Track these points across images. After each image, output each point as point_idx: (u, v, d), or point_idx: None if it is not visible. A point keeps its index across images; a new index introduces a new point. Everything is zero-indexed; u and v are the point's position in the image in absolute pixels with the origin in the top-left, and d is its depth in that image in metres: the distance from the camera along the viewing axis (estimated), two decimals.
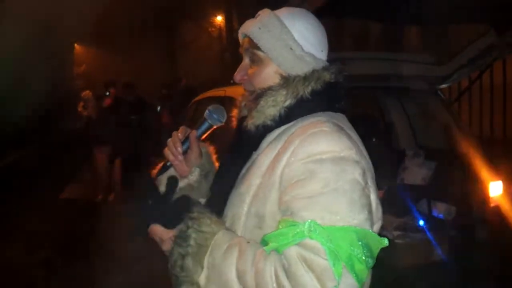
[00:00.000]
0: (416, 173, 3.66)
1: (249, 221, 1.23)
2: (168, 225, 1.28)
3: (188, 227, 1.22)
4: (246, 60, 1.36)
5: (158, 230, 1.30)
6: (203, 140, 1.48)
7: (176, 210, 1.27)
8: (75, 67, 21.48)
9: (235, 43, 1.42)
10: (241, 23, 1.40)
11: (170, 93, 8.00)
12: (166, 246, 1.28)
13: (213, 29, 19.14)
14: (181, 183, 1.44)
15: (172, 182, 1.37)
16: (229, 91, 3.55)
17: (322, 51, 1.33)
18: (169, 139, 1.44)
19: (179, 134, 1.44)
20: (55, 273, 4.72)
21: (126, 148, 6.94)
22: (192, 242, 1.20)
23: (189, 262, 1.20)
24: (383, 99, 4.22)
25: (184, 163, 1.44)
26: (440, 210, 3.43)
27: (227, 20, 16.96)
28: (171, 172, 1.48)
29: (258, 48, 1.30)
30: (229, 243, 1.18)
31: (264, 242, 1.15)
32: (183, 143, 1.42)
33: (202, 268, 1.19)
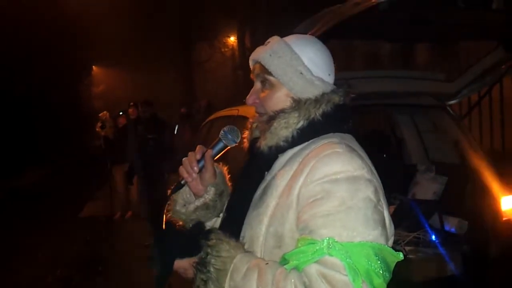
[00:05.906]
0: (428, 188, 3.68)
1: (268, 241, 1.26)
2: (188, 255, 1.31)
3: (207, 254, 1.26)
4: (257, 85, 1.41)
5: (180, 263, 1.33)
6: (217, 160, 1.49)
7: (193, 239, 1.31)
8: (93, 87, 21.96)
9: (247, 62, 1.51)
10: (253, 43, 1.47)
11: (192, 112, 8.15)
12: (190, 274, 1.31)
13: (226, 49, 19.48)
14: (197, 202, 1.46)
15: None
16: (242, 110, 3.60)
17: (329, 74, 1.38)
18: (185, 158, 1.46)
19: (196, 154, 1.45)
20: None
21: (143, 166, 7.05)
22: (211, 268, 1.24)
23: (210, 287, 1.24)
24: (394, 115, 4.27)
25: (199, 182, 1.46)
26: (452, 224, 3.43)
27: (240, 40, 17.21)
28: (185, 190, 1.51)
29: (270, 74, 1.35)
30: (248, 265, 1.20)
31: (284, 261, 1.17)
32: (198, 162, 1.44)
33: None
